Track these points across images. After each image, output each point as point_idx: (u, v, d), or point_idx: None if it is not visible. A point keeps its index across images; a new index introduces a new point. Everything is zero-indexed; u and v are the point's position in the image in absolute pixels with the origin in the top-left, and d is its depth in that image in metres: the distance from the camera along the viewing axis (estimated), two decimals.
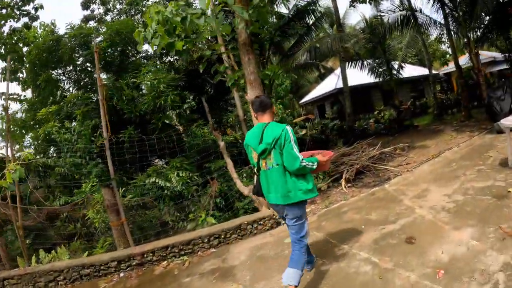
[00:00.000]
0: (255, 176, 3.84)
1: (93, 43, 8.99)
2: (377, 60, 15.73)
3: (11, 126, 13.11)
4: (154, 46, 6.16)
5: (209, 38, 14.78)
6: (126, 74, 11.29)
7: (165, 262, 5.98)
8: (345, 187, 8.24)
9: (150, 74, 9.85)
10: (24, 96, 13.94)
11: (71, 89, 12.13)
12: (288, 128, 3.52)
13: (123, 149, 9.32)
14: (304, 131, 16.77)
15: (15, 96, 14.04)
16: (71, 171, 9.61)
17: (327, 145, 16.03)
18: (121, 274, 5.90)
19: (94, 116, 10.18)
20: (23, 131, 12.89)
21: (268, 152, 3.55)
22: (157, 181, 8.89)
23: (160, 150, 10.18)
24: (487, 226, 4.27)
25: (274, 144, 3.48)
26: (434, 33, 16.72)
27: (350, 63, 16.37)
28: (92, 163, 9.35)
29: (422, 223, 4.87)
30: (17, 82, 13.74)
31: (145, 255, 6.01)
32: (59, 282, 6.11)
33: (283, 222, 5.16)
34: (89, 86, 11.42)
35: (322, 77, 27.45)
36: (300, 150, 3.59)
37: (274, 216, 6.44)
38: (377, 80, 16.56)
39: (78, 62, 11.61)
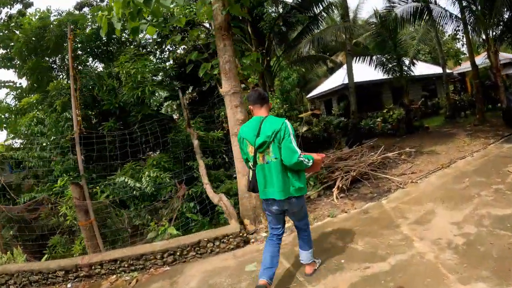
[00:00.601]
0: (250, 171, 3.67)
1: (68, 29, 8.02)
2: (386, 55, 14.18)
3: (6, 113, 12.25)
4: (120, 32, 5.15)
5: (208, 24, 13.62)
6: (111, 63, 10.32)
7: (114, 276, 5.22)
8: (337, 197, 7.01)
9: (128, 63, 8.77)
10: (20, 84, 13.12)
11: (62, 78, 11.19)
12: (287, 122, 3.43)
13: (104, 143, 8.56)
14: (305, 128, 15.51)
15: (10, 84, 13.22)
16: (39, 166, 8.75)
17: (330, 144, 14.82)
18: (69, 285, 5.32)
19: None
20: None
21: (266, 146, 3.41)
22: (126, 180, 7.87)
23: (142, 144, 9.16)
24: (506, 283, 3.00)
25: (273, 137, 3.36)
26: (449, 29, 15.14)
27: (357, 57, 14.92)
28: (59, 158, 8.46)
29: (420, 266, 3.60)
30: (13, 69, 12.90)
31: (92, 267, 5.29)
32: (10, 286, 5.62)
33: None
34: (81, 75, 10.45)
35: (331, 71, 25.97)
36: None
37: (242, 234, 5.34)
38: (387, 76, 15.05)
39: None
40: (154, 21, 5.51)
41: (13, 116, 11.80)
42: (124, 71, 8.51)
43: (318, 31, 13.49)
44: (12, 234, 8.43)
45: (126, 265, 5.21)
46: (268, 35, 12.25)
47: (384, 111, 16.54)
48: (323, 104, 24.84)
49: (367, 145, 10.32)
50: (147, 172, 7.96)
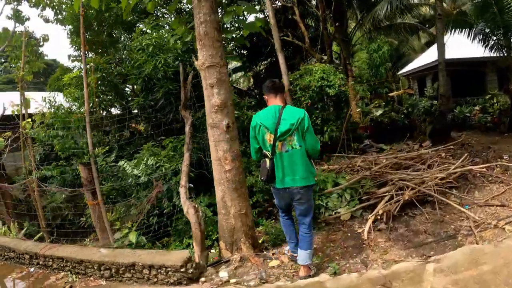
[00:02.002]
0: (267, 160, 3.40)
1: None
2: (489, 24, 9.87)
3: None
4: None
5: None
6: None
7: (62, 274, 4.90)
8: (369, 231, 4.51)
9: (148, 34, 7.29)
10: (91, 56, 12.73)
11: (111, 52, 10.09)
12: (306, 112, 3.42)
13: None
14: (380, 111, 12.44)
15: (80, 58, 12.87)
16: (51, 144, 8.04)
17: (411, 134, 11.63)
18: (31, 269, 5.33)
19: (117, 81, 8.30)
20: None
21: (290, 133, 3.31)
22: (124, 165, 6.47)
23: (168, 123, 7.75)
24: None
25: (298, 125, 3.29)
26: None
27: (454, 29, 10.97)
28: (69, 138, 7.51)
29: None
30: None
31: (47, 259, 5.06)
32: None
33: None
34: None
35: (429, 45, 21.31)
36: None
37: (186, 269, 3.71)
38: (492, 54, 10.84)
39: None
40: None
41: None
42: (137, 44, 6.90)
43: None
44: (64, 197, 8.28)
45: (71, 266, 4.75)
46: None
47: (488, 97, 12.55)
48: (416, 83, 20.64)
49: (444, 147, 7.23)
50: (145, 159, 6.44)
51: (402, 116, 12.53)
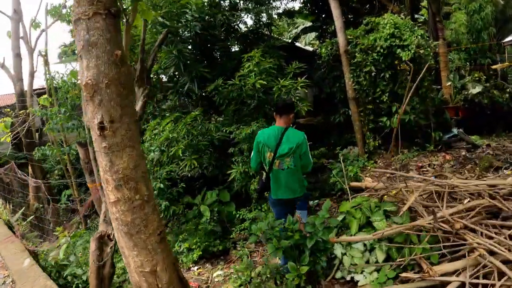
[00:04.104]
0: (264, 174, 3.51)
1: None
2: None
3: None
4: None
5: None
6: None
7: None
8: None
9: None
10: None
11: None
12: (305, 135, 3.48)
13: None
14: (478, 89, 8.93)
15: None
16: None
17: None
18: None
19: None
20: None
21: (288, 155, 3.36)
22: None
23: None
24: None
25: (296, 148, 3.37)
26: None
27: None
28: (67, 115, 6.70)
29: None
30: None
31: None
32: None
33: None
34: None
35: None
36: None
37: None
38: None
39: None
40: None
41: None
42: None
43: None
44: None
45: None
46: None
47: None
48: None
49: None
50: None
51: (507, 97, 9.00)
